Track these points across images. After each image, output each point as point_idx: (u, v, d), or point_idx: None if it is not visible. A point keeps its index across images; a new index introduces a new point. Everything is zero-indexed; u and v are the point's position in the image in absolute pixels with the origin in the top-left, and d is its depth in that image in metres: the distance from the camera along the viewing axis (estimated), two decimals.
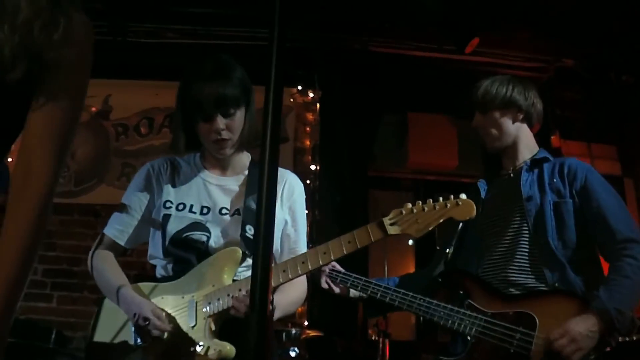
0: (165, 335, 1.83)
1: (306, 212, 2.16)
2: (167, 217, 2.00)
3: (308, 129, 5.07)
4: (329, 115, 5.02)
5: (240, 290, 1.82)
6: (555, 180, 2.26)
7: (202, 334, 1.85)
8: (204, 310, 1.88)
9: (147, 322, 1.81)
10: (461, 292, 2.21)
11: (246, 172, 2.10)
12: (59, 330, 3.90)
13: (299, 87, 5.02)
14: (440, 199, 1.84)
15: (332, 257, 1.82)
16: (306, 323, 4.35)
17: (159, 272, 2.04)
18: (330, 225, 4.53)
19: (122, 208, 2.07)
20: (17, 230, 1.10)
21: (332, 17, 4.73)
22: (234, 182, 2.08)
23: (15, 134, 1.17)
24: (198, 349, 1.82)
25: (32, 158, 1.14)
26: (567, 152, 4.85)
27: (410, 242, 4.70)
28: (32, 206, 1.11)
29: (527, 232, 2.23)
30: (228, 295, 1.84)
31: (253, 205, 1.97)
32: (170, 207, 2.01)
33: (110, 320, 1.99)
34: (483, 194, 2.42)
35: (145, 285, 2.00)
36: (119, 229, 2.06)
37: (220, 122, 1.94)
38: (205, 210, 2.01)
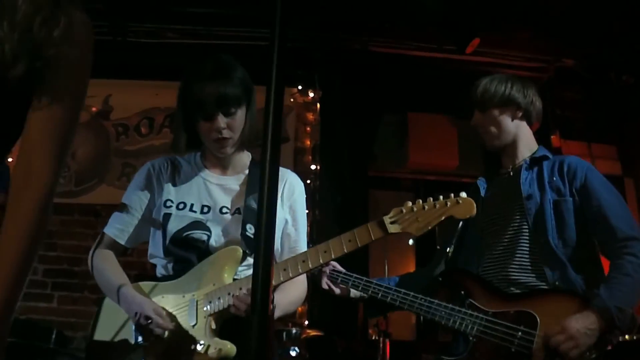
0: (166, 334, 1.83)
1: (306, 211, 2.16)
2: (167, 216, 2.00)
3: (308, 128, 5.07)
4: (329, 115, 5.01)
5: (240, 289, 1.82)
6: (555, 178, 2.26)
7: (203, 332, 1.85)
8: (205, 309, 1.88)
9: (149, 321, 1.81)
10: (462, 292, 2.21)
11: (247, 171, 2.11)
12: (60, 330, 3.90)
13: (299, 87, 5.02)
14: (441, 197, 1.84)
15: (333, 256, 1.82)
16: (306, 322, 4.35)
17: (160, 271, 2.04)
18: (331, 225, 4.53)
19: (123, 207, 2.07)
20: (17, 230, 1.10)
21: (332, 17, 4.73)
22: (234, 181, 2.08)
23: (15, 135, 1.17)
24: (199, 347, 1.82)
25: (33, 158, 1.14)
26: (567, 152, 4.84)
27: (411, 241, 4.70)
28: (32, 206, 1.11)
29: (527, 230, 2.23)
30: (228, 294, 1.84)
31: (253, 205, 1.97)
32: (170, 206, 2.01)
33: (111, 319, 1.99)
34: (482, 193, 2.42)
35: (145, 285, 2.00)
36: (119, 228, 2.06)
37: (222, 120, 1.94)
38: (205, 210, 2.01)
